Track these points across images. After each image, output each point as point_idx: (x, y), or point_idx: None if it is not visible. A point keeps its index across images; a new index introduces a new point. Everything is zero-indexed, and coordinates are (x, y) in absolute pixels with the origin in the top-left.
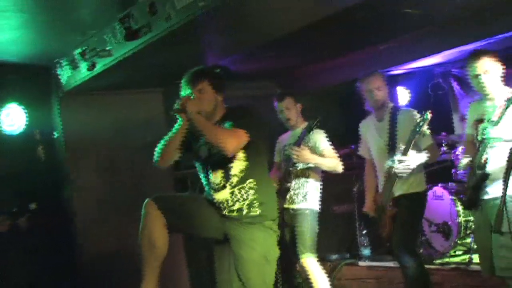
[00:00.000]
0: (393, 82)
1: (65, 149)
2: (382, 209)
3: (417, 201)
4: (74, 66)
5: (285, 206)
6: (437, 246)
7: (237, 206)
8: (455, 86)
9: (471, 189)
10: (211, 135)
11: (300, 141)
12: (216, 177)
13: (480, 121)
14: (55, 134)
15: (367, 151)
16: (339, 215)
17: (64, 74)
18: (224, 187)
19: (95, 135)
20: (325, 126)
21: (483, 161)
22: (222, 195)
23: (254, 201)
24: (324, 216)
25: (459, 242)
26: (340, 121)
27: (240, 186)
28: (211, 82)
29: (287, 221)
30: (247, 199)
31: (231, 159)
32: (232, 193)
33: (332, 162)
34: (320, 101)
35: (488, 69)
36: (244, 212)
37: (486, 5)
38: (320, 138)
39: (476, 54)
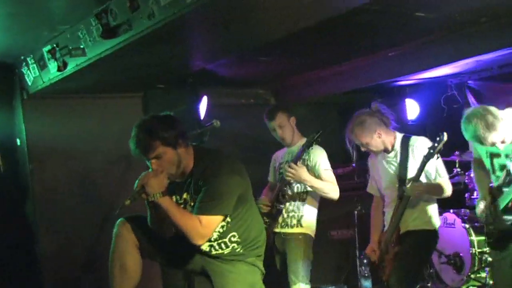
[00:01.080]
0: (401, 93)
1: (28, 159)
2: (385, 248)
3: (424, 240)
4: (42, 65)
5: (276, 230)
6: (447, 280)
7: (215, 253)
8: (471, 99)
9: (501, 232)
10: (179, 223)
11: (297, 158)
12: None
13: (496, 155)
14: (17, 142)
15: (376, 189)
16: (337, 241)
17: (30, 74)
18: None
19: (64, 143)
20: (322, 141)
21: (511, 204)
22: (200, 246)
23: (237, 249)
24: (320, 241)
25: (472, 276)
26: (341, 135)
27: (220, 240)
28: (164, 141)
29: (278, 247)
30: (226, 249)
31: None
32: (211, 246)
33: (329, 187)
34: (318, 112)
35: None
36: (225, 253)
37: (506, 11)
38: (320, 157)
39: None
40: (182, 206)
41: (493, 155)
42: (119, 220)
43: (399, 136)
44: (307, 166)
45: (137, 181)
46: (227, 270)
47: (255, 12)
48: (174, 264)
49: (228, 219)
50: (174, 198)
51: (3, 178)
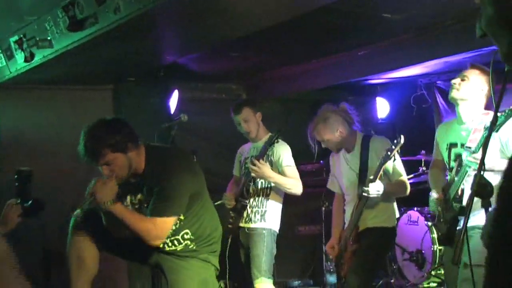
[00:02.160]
0: (372, 92)
1: None
2: (344, 246)
3: (383, 237)
4: (8, 55)
5: (241, 224)
6: (410, 276)
7: (168, 249)
8: (440, 100)
9: (448, 223)
10: (133, 227)
11: (261, 155)
12: None
13: (454, 145)
14: None
15: (336, 185)
16: (304, 236)
17: None
18: None
19: (33, 134)
20: (293, 137)
21: (459, 192)
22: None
23: (190, 245)
24: (287, 237)
25: (433, 273)
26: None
27: (173, 237)
28: (112, 148)
29: (242, 241)
30: (179, 245)
31: None
32: (164, 243)
33: (293, 183)
34: (290, 109)
35: (473, 92)
36: (178, 249)
37: (470, 15)
38: (284, 153)
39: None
40: (137, 206)
41: (451, 146)
42: (74, 213)
43: (360, 136)
44: (270, 161)
45: (88, 189)
46: (180, 266)
47: (221, 8)
48: (130, 259)
49: (182, 217)
50: (128, 198)
51: None
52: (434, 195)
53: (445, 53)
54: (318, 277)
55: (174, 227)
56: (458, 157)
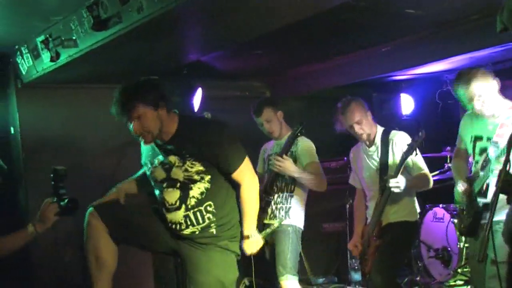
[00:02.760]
0: (396, 88)
1: (21, 148)
2: (367, 242)
3: (406, 231)
4: (35, 55)
5: (265, 221)
6: (435, 274)
7: (189, 230)
8: None
9: (471, 217)
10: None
11: (284, 151)
12: (172, 196)
13: (479, 138)
14: (11, 130)
15: (357, 181)
16: (328, 234)
17: (24, 63)
18: (178, 208)
19: (57, 133)
20: (316, 135)
21: (484, 187)
22: (175, 217)
23: (211, 224)
24: (312, 234)
25: (459, 271)
26: (335, 129)
27: (197, 209)
28: (144, 102)
29: (267, 238)
30: (202, 223)
31: (193, 181)
32: (186, 216)
33: (316, 178)
34: (312, 106)
35: (483, 93)
36: (197, 233)
37: (495, 9)
38: (307, 149)
39: (463, 79)
40: (167, 166)
41: (476, 139)
42: (88, 209)
43: (380, 129)
44: (294, 157)
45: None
46: (202, 260)
47: (243, 5)
48: (146, 247)
49: (208, 185)
50: (157, 158)
51: None
52: (461, 187)
53: (470, 48)
54: (342, 274)
55: (200, 197)
56: (484, 151)
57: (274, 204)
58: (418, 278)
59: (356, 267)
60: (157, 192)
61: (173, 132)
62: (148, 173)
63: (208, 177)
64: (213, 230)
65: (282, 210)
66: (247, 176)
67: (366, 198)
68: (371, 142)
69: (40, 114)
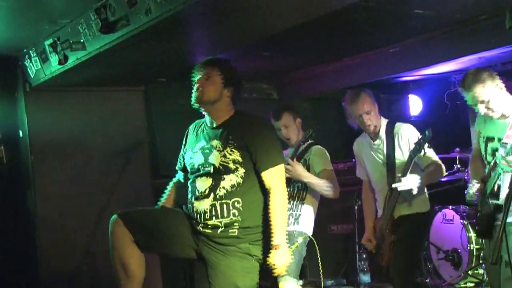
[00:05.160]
0: (404, 89)
1: (30, 151)
2: (381, 237)
3: (418, 222)
4: (43, 58)
5: None
6: (445, 276)
7: (213, 221)
8: None
9: (485, 218)
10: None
11: (294, 156)
12: (203, 184)
13: (491, 139)
14: (20, 134)
15: (364, 173)
16: (336, 235)
17: (33, 66)
18: (207, 196)
19: (65, 136)
20: (324, 136)
21: (496, 188)
22: (202, 205)
23: (235, 223)
24: (320, 236)
25: (470, 272)
26: (342, 130)
27: (224, 201)
28: (221, 72)
29: None
30: (226, 217)
31: (227, 170)
32: (213, 206)
33: (328, 184)
34: (320, 107)
35: (486, 97)
36: (219, 230)
37: (504, 9)
38: (320, 156)
39: (465, 84)
40: (207, 151)
41: (488, 140)
42: (112, 217)
43: (384, 121)
44: (308, 165)
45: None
46: (222, 265)
47: (250, 7)
48: (170, 252)
49: (240, 180)
50: (199, 144)
51: (6, 169)
52: (473, 187)
53: (479, 49)
54: (351, 276)
55: (230, 189)
56: (495, 152)
57: None
58: (428, 280)
59: (365, 269)
60: (189, 182)
61: (226, 118)
62: (187, 160)
63: (242, 171)
64: (235, 231)
65: (292, 217)
66: (277, 182)
67: (373, 190)
68: (376, 135)
69: (48, 117)
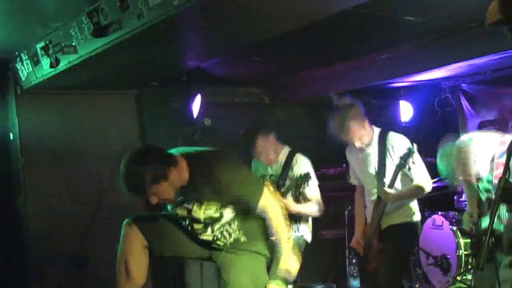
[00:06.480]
0: (395, 95)
1: (20, 154)
2: (368, 244)
3: (407, 232)
4: (35, 61)
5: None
6: (434, 281)
7: (220, 242)
8: (465, 103)
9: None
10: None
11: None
12: (197, 226)
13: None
14: (10, 136)
15: (357, 178)
16: (327, 240)
17: (24, 69)
18: (204, 231)
19: (56, 139)
20: (315, 142)
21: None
22: (203, 236)
23: (241, 237)
24: (311, 240)
25: (458, 278)
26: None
27: (224, 228)
28: (154, 182)
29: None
30: (231, 237)
31: (214, 219)
32: (214, 236)
33: (314, 208)
34: (311, 113)
35: None
36: (228, 244)
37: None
38: (304, 170)
39: None
40: (187, 207)
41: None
42: (125, 221)
43: (377, 130)
44: (291, 178)
45: None
46: (234, 263)
47: (243, 12)
48: (184, 255)
49: (235, 214)
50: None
51: None
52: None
53: (469, 56)
54: (341, 281)
55: (227, 222)
56: (488, 191)
57: None
58: (417, 285)
59: (355, 274)
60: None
61: (187, 178)
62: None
63: (228, 209)
64: (243, 238)
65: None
66: (270, 208)
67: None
68: (368, 144)
69: (39, 120)
